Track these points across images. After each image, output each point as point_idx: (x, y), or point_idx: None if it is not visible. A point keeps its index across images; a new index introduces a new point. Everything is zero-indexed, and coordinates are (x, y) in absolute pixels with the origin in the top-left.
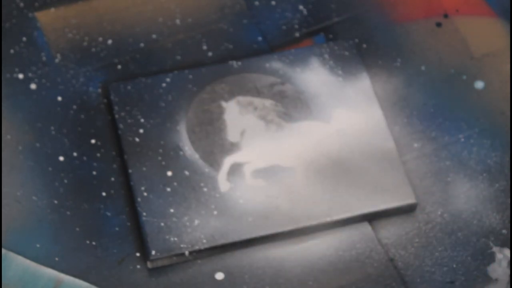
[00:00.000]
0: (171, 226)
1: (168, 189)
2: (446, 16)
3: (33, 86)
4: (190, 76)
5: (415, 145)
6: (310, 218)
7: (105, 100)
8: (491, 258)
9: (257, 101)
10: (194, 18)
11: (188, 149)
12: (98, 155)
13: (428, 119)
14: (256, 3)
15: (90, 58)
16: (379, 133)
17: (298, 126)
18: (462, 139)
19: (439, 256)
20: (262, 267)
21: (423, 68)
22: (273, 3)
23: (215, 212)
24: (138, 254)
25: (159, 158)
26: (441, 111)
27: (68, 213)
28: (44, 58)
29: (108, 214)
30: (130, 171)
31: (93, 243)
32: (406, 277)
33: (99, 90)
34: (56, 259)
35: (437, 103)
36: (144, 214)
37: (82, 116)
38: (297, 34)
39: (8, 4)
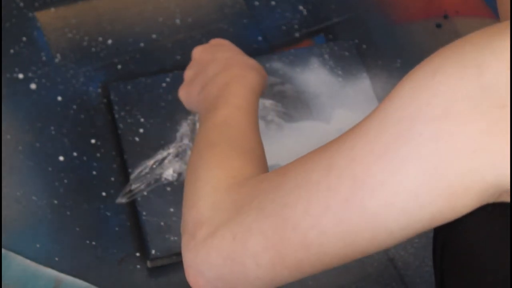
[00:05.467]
0: (171, 225)
1: (168, 189)
2: (446, 17)
3: (33, 86)
4: None
5: None
6: None
7: (105, 100)
8: None
9: None
10: (194, 18)
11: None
12: (98, 155)
13: None
14: (256, 3)
15: (90, 58)
16: None
17: (298, 126)
18: None
19: None
20: None
21: None
22: (273, 3)
23: None
24: (138, 254)
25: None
26: None
27: (68, 213)
28: (44, 58)
29: (108, 214)
30: (130, 170)
31: (93, 243)
32: (406, 277)
33: (99, 90)
34: (56, 259)
35: None
36: (144, 213)
37: (82, 116)
38: (297, 34)
39: (8, 4)
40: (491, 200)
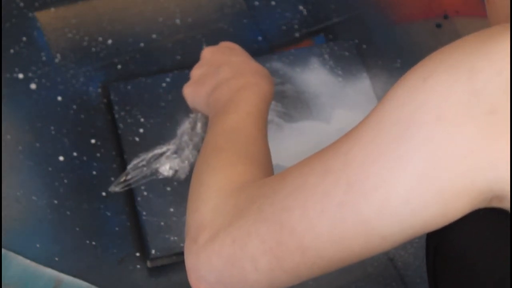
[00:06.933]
0: (171, 225)
1: (168, 189)
2: (446, 17)
3: (33, 86)
4: None
5: None
6: None
7: (105, 100)
8: None
9: None
10: (194, 18)
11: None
12: (98, 155)
13: None
14: (256, 3)
15: (90, 58)
16: None
17: (298, 126)
18: None
19: None
20: None
21: None
22: (273, 3)
23: None
24: (138, 254)
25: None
26: None
27: (68, 213)
28: (44, 58)
29: (108, 214)
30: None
31: (93, 243)
32: (406, 277)
33: (99, 90)
34: (56, 259)
35: None
36: (144, 213)
37: (82, 116)
38: (297, 34)
39: (8, 4)
40: (482, 205)
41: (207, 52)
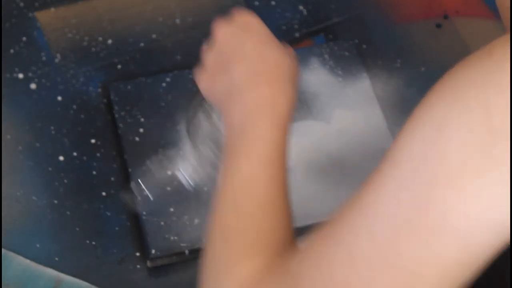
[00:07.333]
0: (171, 225)
1: (168, 188)
2: (446, 17)
3: (33, 86)
4: (190, 76)
5: None
6: (310, 218)
7: (105, 100)
8: None
9: None
10: (194, 18)
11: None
12: (98, 155)
13: None
14: (256, 3)
15: (90, 58)
16: (379, 134)
17: (298, 126)
18: None
19: None
20: None
21: (423, 69)
22: (273, 3)
23: None
24: (138, 254)
25: (159, 157)
26: None
27: (68, 213)
28: (44, 58)
29: (108, 214)
30: (130, 170)
31: (93, 243)
32: None
33: (99, 90)
34: (56, 259)
35: None
36: (144, 213)
37: (82, 116)
38: (297, 34)
39: (8, 4)
40: None
41: (220, 33)
